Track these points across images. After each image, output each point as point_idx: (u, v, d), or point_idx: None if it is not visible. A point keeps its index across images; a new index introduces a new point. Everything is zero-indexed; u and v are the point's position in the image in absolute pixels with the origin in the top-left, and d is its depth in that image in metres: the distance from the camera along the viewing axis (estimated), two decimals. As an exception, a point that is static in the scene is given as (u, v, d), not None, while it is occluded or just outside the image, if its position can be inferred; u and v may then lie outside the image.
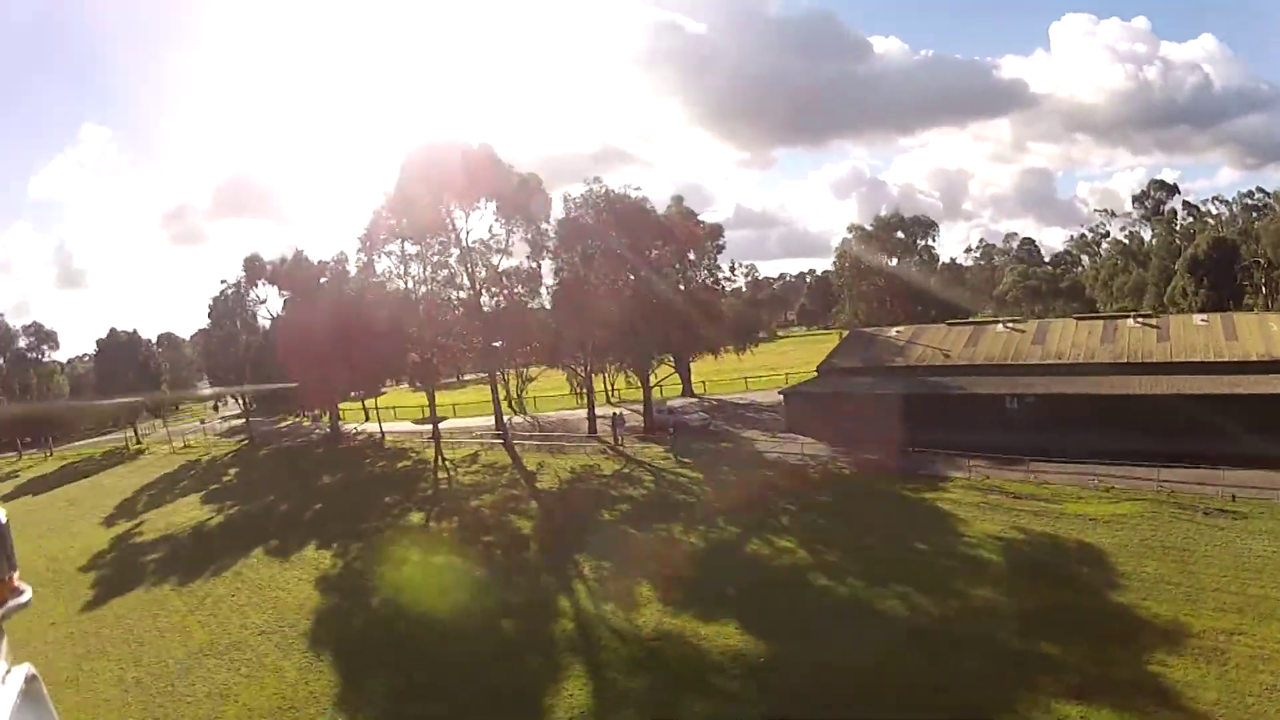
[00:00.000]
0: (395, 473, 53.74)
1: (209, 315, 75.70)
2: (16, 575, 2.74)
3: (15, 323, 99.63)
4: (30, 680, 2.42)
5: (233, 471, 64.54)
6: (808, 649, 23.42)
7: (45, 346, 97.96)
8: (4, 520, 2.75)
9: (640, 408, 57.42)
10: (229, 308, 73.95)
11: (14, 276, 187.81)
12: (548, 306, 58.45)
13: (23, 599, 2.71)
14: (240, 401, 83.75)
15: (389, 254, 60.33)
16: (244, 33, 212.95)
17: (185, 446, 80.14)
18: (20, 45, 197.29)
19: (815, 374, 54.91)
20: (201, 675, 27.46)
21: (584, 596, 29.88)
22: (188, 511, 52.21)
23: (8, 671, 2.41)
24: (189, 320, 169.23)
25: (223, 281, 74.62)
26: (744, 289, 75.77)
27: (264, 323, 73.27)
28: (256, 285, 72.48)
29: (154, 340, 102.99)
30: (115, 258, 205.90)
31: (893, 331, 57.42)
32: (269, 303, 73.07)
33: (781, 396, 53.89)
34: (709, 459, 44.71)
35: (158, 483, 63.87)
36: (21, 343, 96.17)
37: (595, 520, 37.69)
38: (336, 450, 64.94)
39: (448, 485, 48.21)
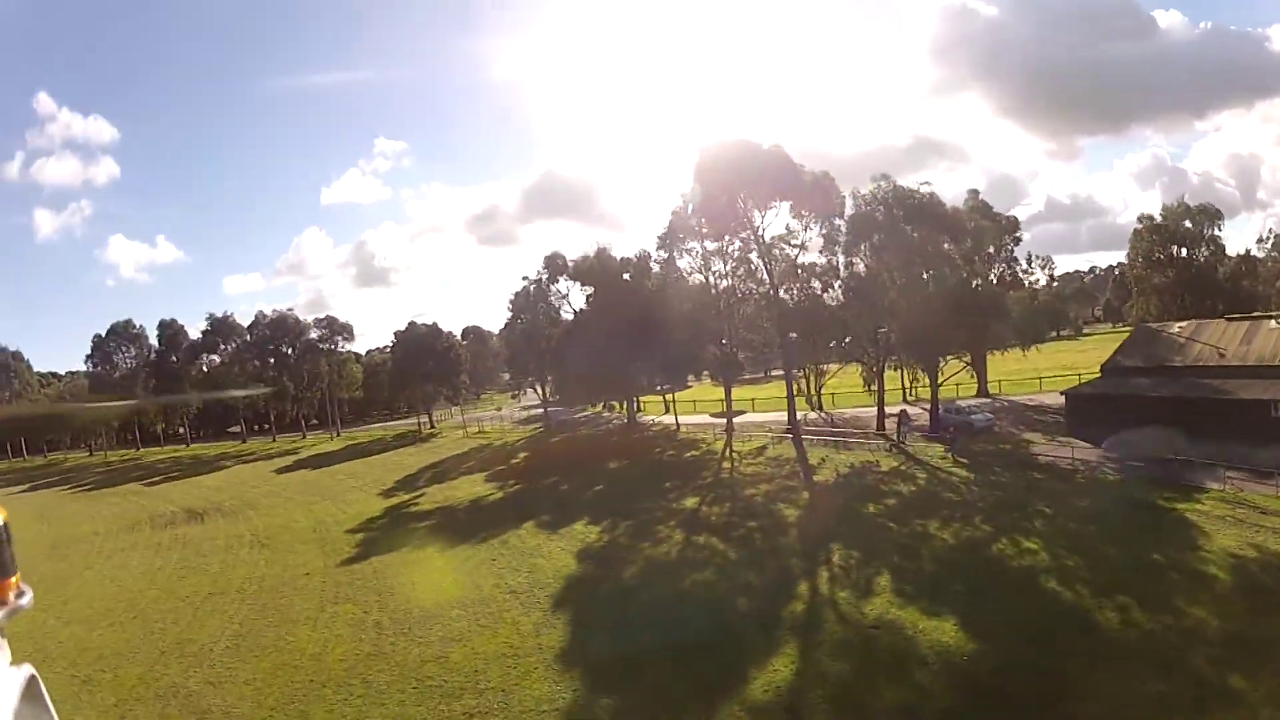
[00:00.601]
0: (682, 462, 55.54)
1: (510, 308, 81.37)
2: (18, 578, 2.81)
3: (308, 316, 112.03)
4: (30, 681, 2.48)
5: (522, 455, 68.05)
6: (1004, 650, 23.88)
7: (339, 338, 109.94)
8: (3, 522, 2.80)
9: (947, 403, 57.44)
10: (530, 301, 78.71)
11: (308, 276, 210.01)
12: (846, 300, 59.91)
13: (23, 601, 2.79)
14: (539, 391, 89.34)
15: (689, 251, 64.12)
16: (543, 42, 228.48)
17: (479, 432, 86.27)
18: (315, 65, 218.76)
19: (1099, 374, 54.01)
20: (441, 623, 30.58)
21: (823, 582, 31.16)
22: (469, 488, 56.33)
23: (9, 672, 2.48)
24: (497, 317, 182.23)
25: (524, 278, 79.29)
26: (1042, 283, 75.04)
27: (566, 316, 78.06)
28: (557, 281, 76.99)
29: (457, 333, 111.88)
30: (420, 259, 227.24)
31: (1175, 328, 54.49)
32: (570, 297, 77.45)
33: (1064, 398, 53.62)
34: (984, 460, 44.87)
35: (444, 462, 68.76)
36: (313, 334, 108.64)
37: (858, 512, 38.78)
38: (630, 439, 67.36)
39: (729, 475, 49.95)
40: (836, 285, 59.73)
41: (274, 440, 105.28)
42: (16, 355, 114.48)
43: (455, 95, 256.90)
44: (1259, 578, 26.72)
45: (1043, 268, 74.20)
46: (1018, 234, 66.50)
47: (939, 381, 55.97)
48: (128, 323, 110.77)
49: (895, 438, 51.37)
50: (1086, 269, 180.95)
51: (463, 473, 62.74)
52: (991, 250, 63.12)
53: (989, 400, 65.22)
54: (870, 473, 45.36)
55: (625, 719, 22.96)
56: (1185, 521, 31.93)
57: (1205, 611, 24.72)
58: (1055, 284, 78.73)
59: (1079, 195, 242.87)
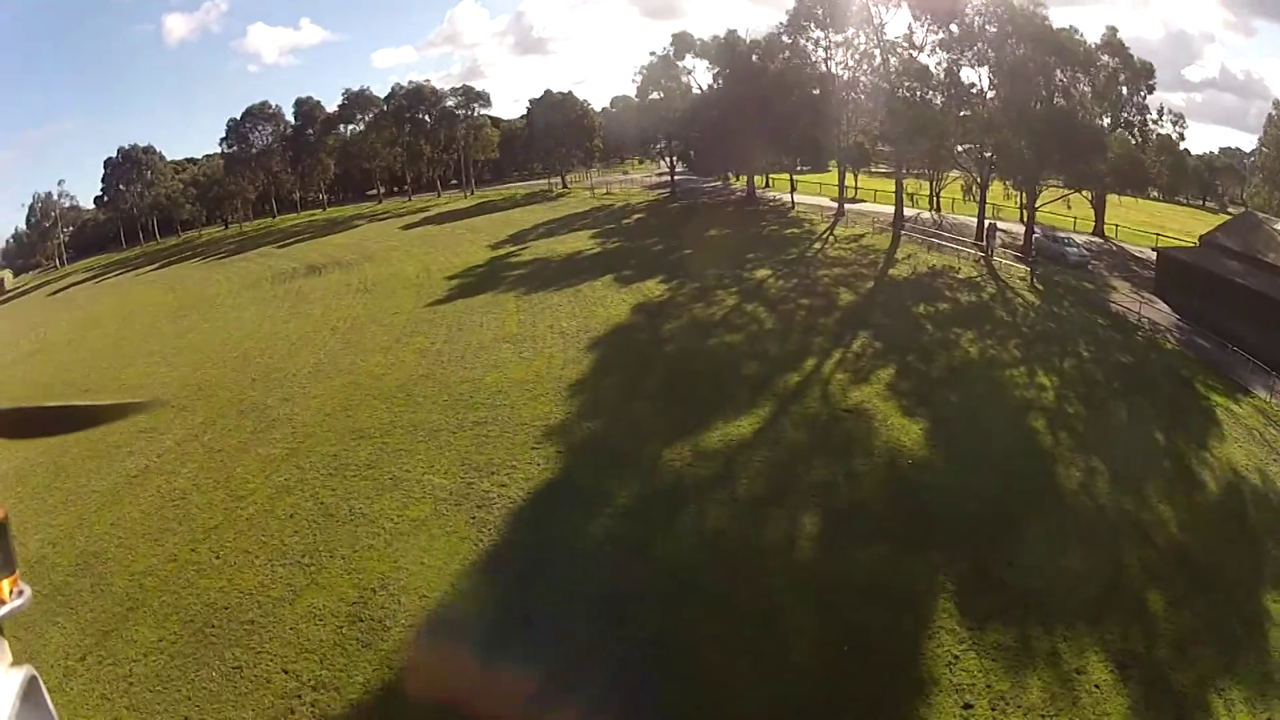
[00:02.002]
0: (778, 236, 56.56)
1: (634, 80, 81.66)
2: (17, 576, 2.83)
3: (463, 83, 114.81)
4: (30, 681, 2.51)
5: (635, 217, 69.76)
6: (953, 468, 23.97)
7: (476, 105, 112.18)
8: (2, 517, 2.86)
9: (1049, 230, 56.24)
10: (655, 76, 79.21)
11: (463, 46, 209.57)
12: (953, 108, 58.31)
13: (22, 601, 2.80)
14: (667, 161, 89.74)
15: (813, 40, 63.54)
16: None
17: (606, 194, 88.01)
18: None
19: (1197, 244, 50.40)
20: (489, 353, 34.27)
21: (830, 363, 31.89)
22: (573, 243, 58.42)
23: (8, 673, 2.51)
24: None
25: (651, 53, 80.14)
26: (1173, 138, 68.72)
27: (695, 92, 78.20)
28: (684, 58, 77.04)
29: (606, 102, 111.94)
30: (580, 28, 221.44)
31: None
32: (696, 74, 77.55)
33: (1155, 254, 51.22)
34: (1058, 292, 43.82)
35: (562, 219, 71.16)
36: (450, 102, 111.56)
37: (906, 309, 38.77)
38: (743, 211, 68.41)
39: (813, 254, 50.79)
40: (942, 91, 57.72)
41: (409, 200, 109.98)
42: (148, 150, 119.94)
43: None
44: (1244, 506, 24.60)
45: (1174, 124, 66.86)
46: (1151, 81, 59.91)
47: (1036, 206, 54.09)
48: (263, 104, 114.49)
49: (984, 249, 50.41)
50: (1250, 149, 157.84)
51: (574, 229, 65.04)
52: (1124, 91, 58.04)
53: (1100, 241, 62.10)
54: (943, 277, 45.01)
55: (594, 440, 25.83)
56: (1210, 415, 30.13)
57: (1168, 516, 23.23)
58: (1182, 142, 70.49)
59: (1253, 73, 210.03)
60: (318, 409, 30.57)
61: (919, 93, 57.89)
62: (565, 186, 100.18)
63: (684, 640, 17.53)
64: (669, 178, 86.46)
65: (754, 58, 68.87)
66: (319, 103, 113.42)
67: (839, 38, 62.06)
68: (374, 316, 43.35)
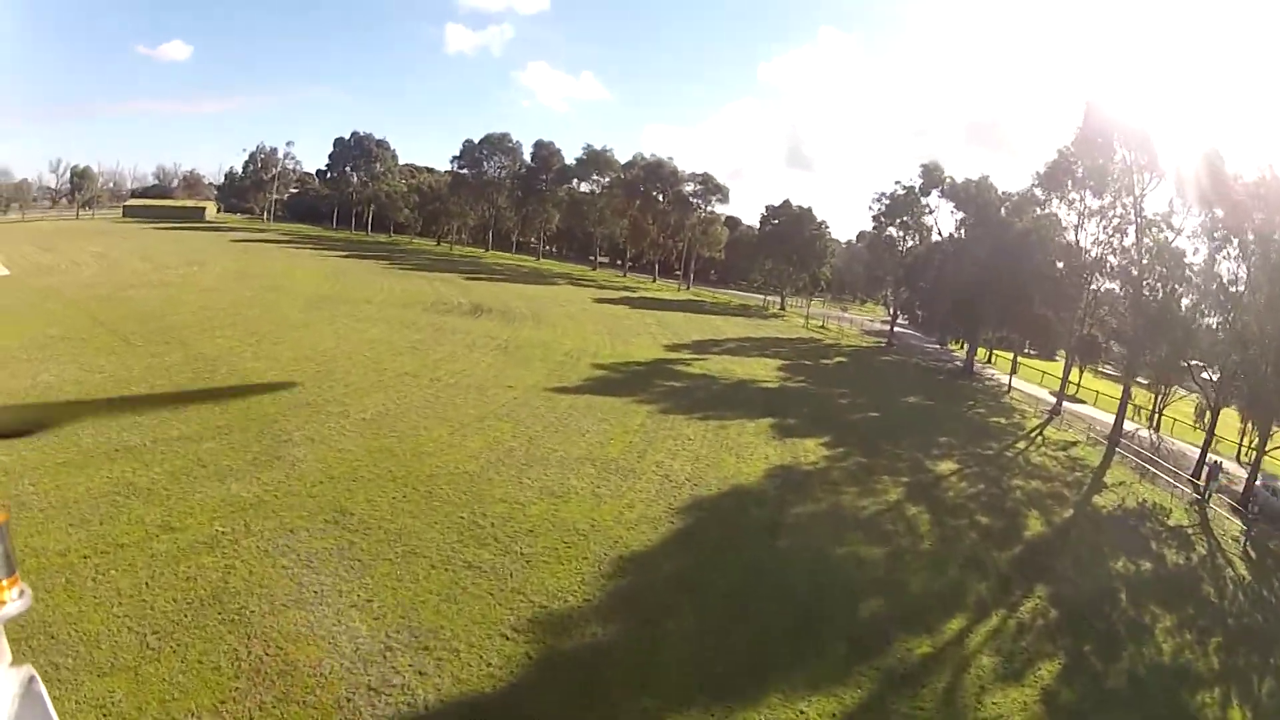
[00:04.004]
0: (982, 423, 49.84)
1: (872, 207, 79.35)
2: (18, 577, 2.73)
3: (704, 171, 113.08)
4: (30, 681, 2.51)
5: (836, 360, 65.55)
6: None
7: (714, 197, 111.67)
8: (3, 519, 2.76)
9: (1271, 479, 44.33)
10: (895, 208, 76.71)
11: (732, 143, 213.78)
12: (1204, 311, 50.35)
13: (22, 602, 2.72)
14: (889, 308, 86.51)
15: (1069, 201, 57.49)
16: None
17: (821, 327, 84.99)
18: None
19: None
20: (561, 473, 26.73)
21: (980, 635, 21.98)
22: (753, 368, 53.61)
23: (7, 673, 2.51)
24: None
25: (896, 182, 77.83)
26: None
27: (934, 238, 75.27)
28: (929, 194, 74.88)
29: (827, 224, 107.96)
30: (850, 153, 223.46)
31: None
32: (939, 216, 75.66)
33: None
34: (1272, 567, 33.87)
35: (758, 341, 67.29)
36: (688, 188, 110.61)
37: (1098, 561, 29.64)
38: (954, 384, 62.93)
39: (1014, 456, 43.14)
40: (1195, 289, 50.15)
41: (624, 275, 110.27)
42: (381, 143, 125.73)
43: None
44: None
45: None
46: None
47: (1266, 449, 43.72)
48: (503, 135, 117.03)
49: (1201, 492, 41.61)
50: None
51: (764, 354, 60.47)
52: None
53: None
54: (1151, 520, 36.17)
55: (583, 664, 17.13)
56: None
57: None
58: None
59: None
60: (315, 461, 24.68)
61: (1168, 286, 50.55)
62: (782, 308, 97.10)
63: None
64: (889, 326, 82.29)
65: (1002, 210, 65.44)
66: (558, 150, 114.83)
67: (1095, 204, 54.97)
68: (483, 382, 37.67)
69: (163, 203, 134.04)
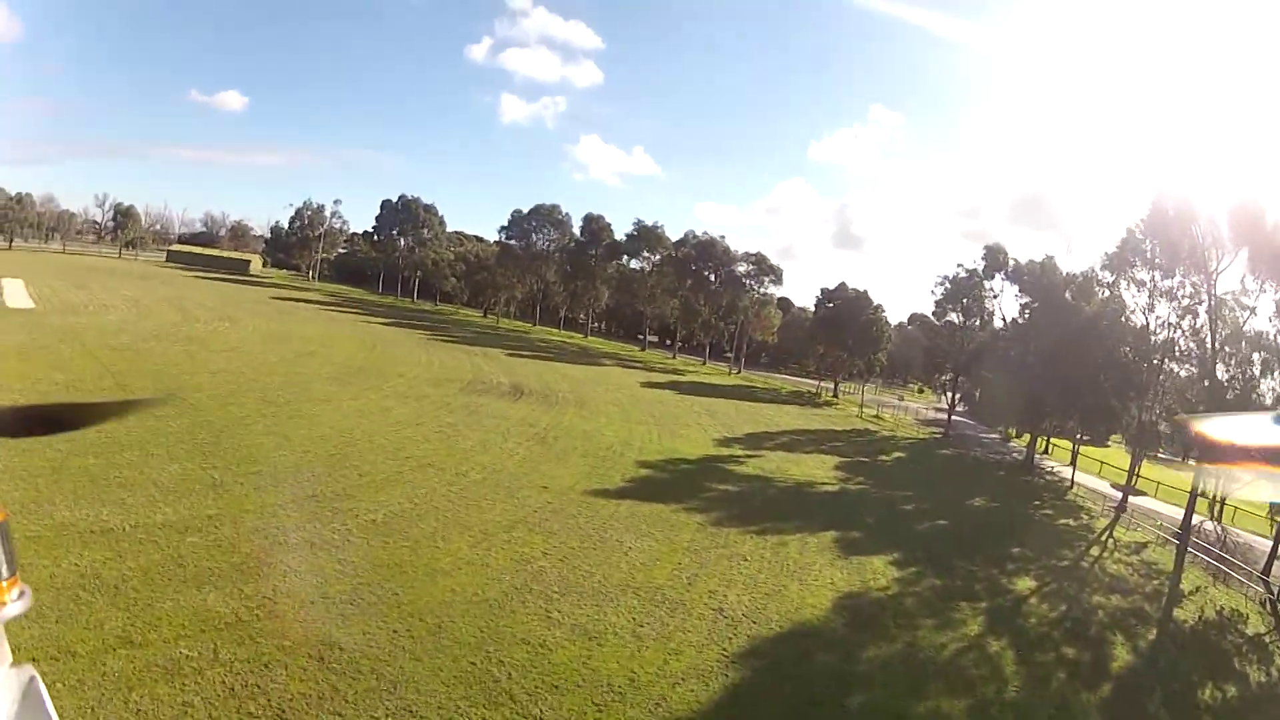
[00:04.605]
0: (1051, 527, 47.84)
1: (935, 292, 79.07)
2: (17, 578, 2.67)
3: (756, 250, 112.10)
4: (30, 682, 2.49)
5: (895, 455, 63.18)
6: None
7: (767, 278, 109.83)
8: (3, 518, 2.71)
9: None
10: (958, 292, 76.18)
11: (784, 222, 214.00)
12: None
13: (23, 603, 2.65)
14: (948, 396, 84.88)
15: (1137, 282, 56.43)
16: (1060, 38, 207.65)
17: (875, 416, 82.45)
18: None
19: None
20: (598, 608, 22.71)
21: None
22: (810, 468, 50.51)
23: (7, 673, 2.49)
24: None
25: (959, 265, 77.97)
26: None
27: (996, 323, 74.94)
28: (993, 277, 74.28)
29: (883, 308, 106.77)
30: (899, 234, 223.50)
31: None
32: (1002, 300, 74.56)
33: None
34: None
35: (814, 434, 64.93)
36: (740, 268, 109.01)
37: (1188, 693, 27.59)
38: (1017, 481, 60.62)
39: (1089, 565, 41.31)
40: (1272, 369, 49.01)
41: (673, 357, 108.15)
42: (429, 208, 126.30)
43: (955, 76, 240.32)
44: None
45: None
46: None
47: None
48: (553, 207, 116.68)
49: (1274, 592, 41.50)
50: None
51: (821, 450, 57.59)
52: None
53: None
54: (1231, 632, 35.03)
55: None
56: None
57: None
58: None
59: None
60: (310, 574, 20.91)
61: (1245, 371, 49.64)
62: (835, 395, 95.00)
63: None
64: (946, 417, 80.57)
65: (1067, 294, 63.53)
66: (608, 224, 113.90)
67: (1166, 284, 53.86)
68: (515, 480, 33.70)
69: (207, 251, 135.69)
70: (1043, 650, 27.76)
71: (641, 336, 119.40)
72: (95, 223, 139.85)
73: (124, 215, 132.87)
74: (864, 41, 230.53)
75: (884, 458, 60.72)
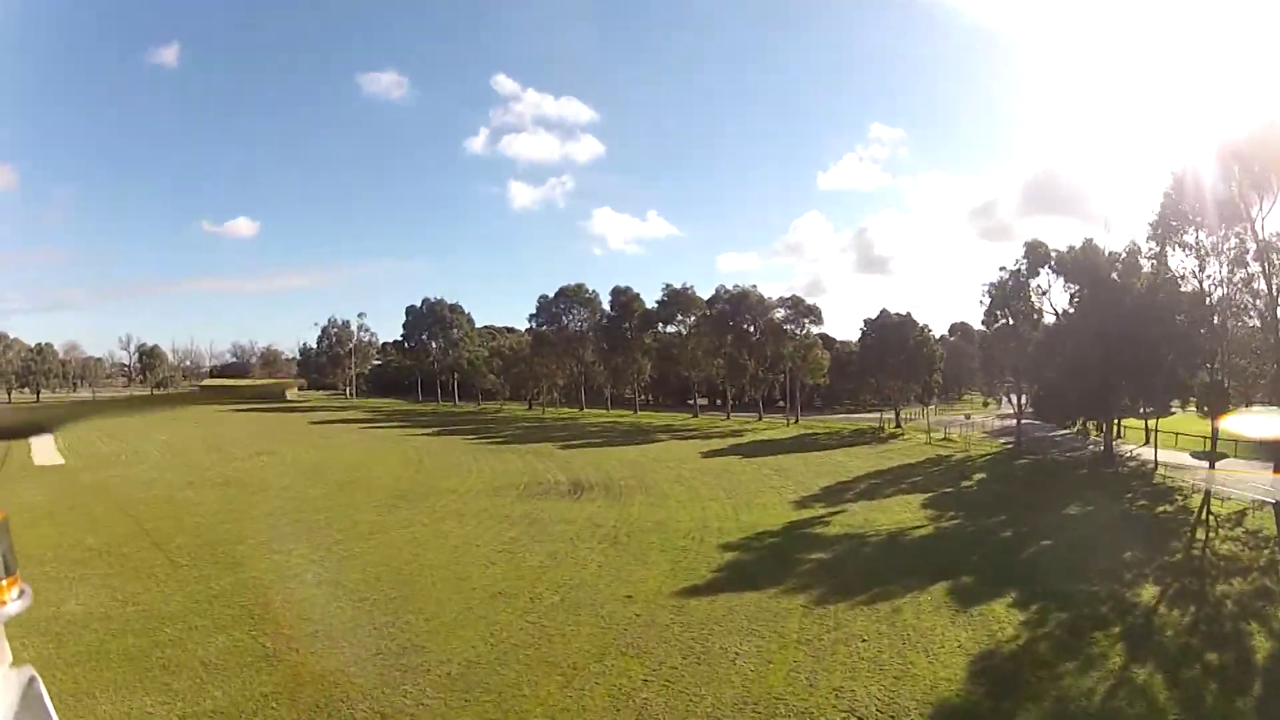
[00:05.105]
0: (1150, 518, 46.13)
1: (983, 301, 77.22)
2: (18, 577, 2.70)
3: (791, 293, 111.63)
4: (30, 682, 2.49)
5: (976, 477, 61.10)
6: None
7: (806, 320, 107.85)
8: (3, 517, 2.73)
9: None
10: (1005, 296, 74.56)
11: (806, 259, 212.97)
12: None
13: (23, 602, 2.68)
14: (1013, 402, 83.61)
15: (1184, 246, 57.00)
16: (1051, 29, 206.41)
17: (944, 439, 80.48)
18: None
19: None
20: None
21: None
22: (897, 512, 47.83)
23: (8, 673, 2.49)
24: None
25: (1001, 268, 75.21)
26: None
27: (1048, 318, 73.13)
28: (1038, 273, 72.44)
29: (944, 329, 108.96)
30: (920, 248, 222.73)
31: None
32: (1051, 294, 72.60)
33: None
34: None
35: (889, 472, 62.60)
36: (778, 314, 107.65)
37: None
38: (1101, 475, 59.05)
39: (1199, 553, 39.14)
40: None
41: (727, 418, 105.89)
42: (455, 308, 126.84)
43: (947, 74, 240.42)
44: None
45: None
46: None
47: None
48: (579, 286, 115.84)
49: None
50: None
51: (902, 489, 55.25)
52: None
53: None
54: None
55: None
56: None
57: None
58: None
59: None
60: None
61: None
62: (898, 425, 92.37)
63: None
64: (1016, 423, 79.27)
65: (1113, 275, 62.94)
66: (637, 295, 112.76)
67: (1210, 240, 54.74)
68: (595, 594, 30.48)
69: (239, 382, 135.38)
70: (1187, 664, 25.81)
71: (691, 402, 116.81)
72: (123, 365, 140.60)
73: (149, 356, 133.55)
74: (853, 59, 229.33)
75: (966, 483, 58.57)
